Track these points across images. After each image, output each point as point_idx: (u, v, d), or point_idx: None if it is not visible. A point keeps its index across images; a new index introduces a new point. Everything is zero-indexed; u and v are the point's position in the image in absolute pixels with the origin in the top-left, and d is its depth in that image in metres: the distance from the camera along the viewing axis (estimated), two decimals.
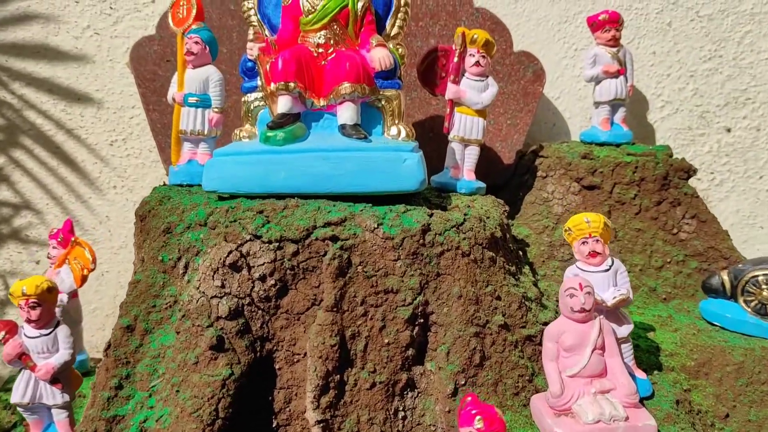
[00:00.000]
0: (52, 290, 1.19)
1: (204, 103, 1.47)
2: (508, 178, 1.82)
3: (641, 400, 1.16)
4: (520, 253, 1.48)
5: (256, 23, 1.37)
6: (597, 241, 1.20)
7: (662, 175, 1.65)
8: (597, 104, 1.77)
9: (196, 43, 1.45)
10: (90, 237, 1.89)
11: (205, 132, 1.48)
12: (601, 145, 1.75)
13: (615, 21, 1.71)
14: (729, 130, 1.95)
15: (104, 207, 1.90)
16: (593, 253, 1.20)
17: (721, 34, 1.90)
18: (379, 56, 1.27)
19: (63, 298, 1.42)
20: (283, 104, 1.25)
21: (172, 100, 1.50)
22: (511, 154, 1.82)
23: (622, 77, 1.74)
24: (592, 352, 1.10)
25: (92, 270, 1.43)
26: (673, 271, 1.61)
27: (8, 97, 1.81)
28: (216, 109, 1.48)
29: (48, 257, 1.49)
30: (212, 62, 1.49)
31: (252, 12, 1.36)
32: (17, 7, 1.79)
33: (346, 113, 1.26)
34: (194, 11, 1.46)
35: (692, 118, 1.95)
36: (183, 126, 1.48)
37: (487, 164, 1.66)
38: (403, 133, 1.29)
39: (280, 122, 1.25)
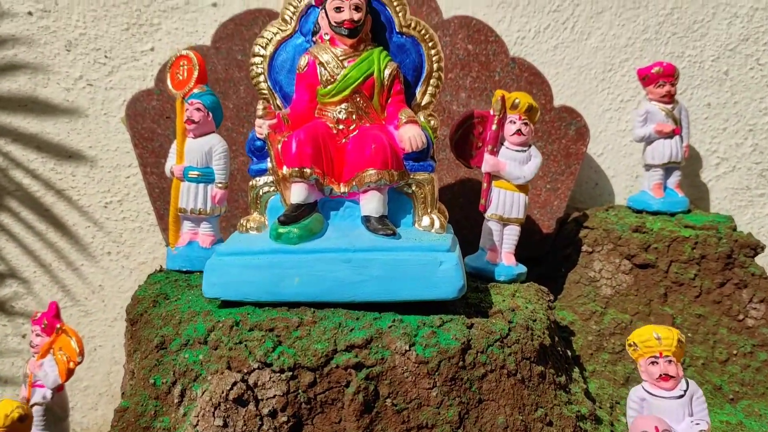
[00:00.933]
0: (24, 419, 1.02)
1: (206, 177, 1.30)
2: (548, 250, 1.64)
3: None
4: (569, 353, 1.29)
5: (266, 91, 1.19)
6: (670, 362, 1.02)
7: (726, 252, 1.46)
8: (648, 167, 1.59)
9: (198, 110, 1.28)
10: (82, 308, 1.73)
11: (208, 210, 1.31)
12: (654, 214, 1.57)
13: (670, 75, 1.54)
14: None
15: (98, 275, 1.74)
16: (666, 377, 1.02)
17: None
18: (409, 135, 1.10)
19: (46, 394, 1.26)
20: (298, 193, 1.08)
21: (170, 173, 1.33)
22: (551, 223, 1.64)
23: (677, 137, 1.56)
24: None
25: (79, 363, 1.26)
26: (741, 365, 1.42)
27: None
28: (220, 185, 1.31)
29: (30, 345, 1.32)
30: (216, 130, 1.32)
31: (261, 78, 1.19)
32: (2, 56, 1.63)
33: (371, 204, 1.09)
34: (196, 73, 1.29)
35: (751, 176, 1.77)
36: (182, 203, 1.31)
37: (524, 234, 1.47)
38: (437, 224, 1.12)
39: (295, 215, 1.07)
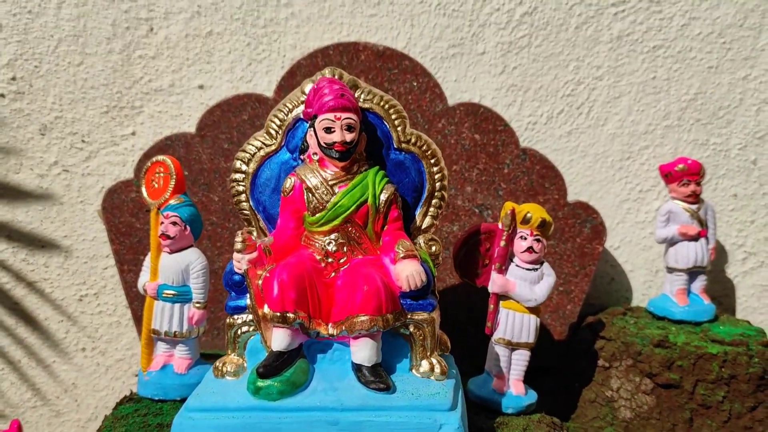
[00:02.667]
0: None
1: (183, 297, 1.20)
2: (559, 358, 1.51)
3: None
4: None
5: (248, 212, 1.09)
6: None
7: (758, 373, 1.33)
8: (671, 270, 1.47)
9: (174, 223, 1.17)
10: (53, 408, 1.62)
11: (184, 332, 1.20)
12: (677, 322, 1.45)
13: (696, 173, 1.43)
14: None
15: (70, 373, 1.62)
16: None
17: None
18: (407, 274, 0.98)
19: None
20: (280, 340, 0.96)
21: (143, 290, 1.21)
22: (563, 329, 1.52)
23: (702, 240, 1.45)
24: None
25: None
26: None
27: None
28: (198, 305, 1.20)
29: None
30: (194, 243, 1.21)
31: (243, 197, 1.09)
32: None
33: (363, 352, 0.97)
34: (172, 182, 1.19)
35: None
36: (156, 325, 1.20)
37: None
38: (437, 369, 1.00)
39: (276, 365, 0.95)
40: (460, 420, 0.94)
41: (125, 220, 1.49)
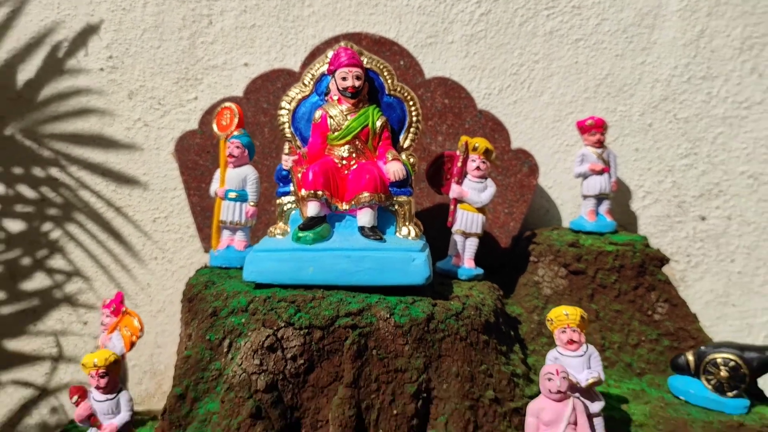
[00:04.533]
0: (117, 362, 1.44)
1: (242, 198, 1.72)
2: (505, 260, 2.06)
3: None
4: (512, 332, 1.71)
5: (289, 135, 1.63)
6: (574, 331, 1.44)
7: (639, 263, 1.88)
8: (584, 197, 2.01)
9: (237, 147, 1.70)
10: (132, 302, 2.14)
11: (242, 222, 1.73)
12: (587, 233, 1.99)
13: (600, 126, 1.96)
14: (704, 219, 2.19)
15: (146, 276, 2.16)
16: (570, 342, 1.44)
17: (696, 135, 2.15)
18: (393, 169, 1.52)
19: None
20: (312, 209, 1.50)
21: (214, 193, 1.75)
22: (508, 240, 2.06)
23: (606, 174, 1.98)
24: (566, 427, 1.33)
25: (140, 337, 1.67)
26: (647, 349, 1.84)
27: (66, 178, 2.08)
28: (252, 204, 1.73)
29: (101, 324, 1.72)
30: (250, 162, 1.76)
31: (286, 126, 1.63)
32: (78, 101, 2.06)
33: (365, 217, 1.51)
34: (236, 120, 1.72)
35: (670, 207, 2.20)
36: (223, 217, 1.73)
37: (486, 248, 1.89)
38: (413, 233, 1.54)
39: (310, 224, 1.49)
40: (426, 257, 1.48)
41: (191, 158, 2.04)
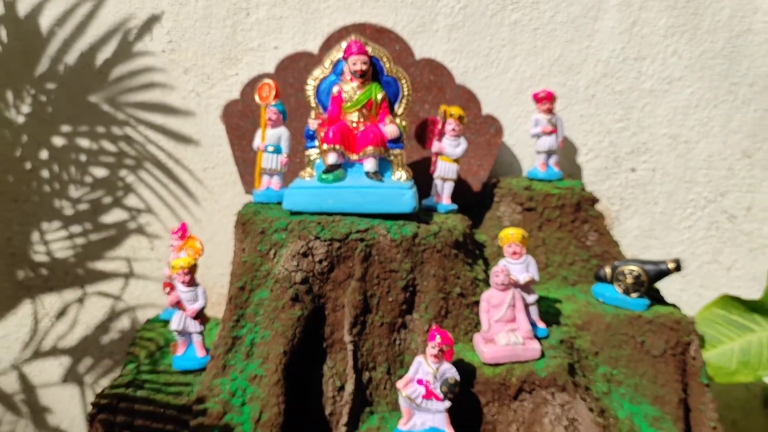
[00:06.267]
0: (195, 266, 2.00)
1: (277, 151, 2.22)
2: (476, 201, 2.61)
3: (539, 339, 1.95)
4: (477, 251, 2.27)
5: (313, 105, 2.15)
6: (517, 245, 1.99)
7: (576, 202, 2.41)
8: (537, 152, 2.53)
9: (275, 113, 2.21)
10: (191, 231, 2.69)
11: (278, 169, 2.25)
12: (539, 180, 2.51)
13: (549, 98, 2.46)
14: (634, 170, 2.73)
15: (198, 212, 2.69)
16: (514, 253, 1.99)
17: (629, 104, 2.67)
18: (390, 130, 2.04)
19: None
20: (331, 158, 2.02)
21: (257, 148, 2.27)
22: (479, 185, 2.59)
23: (554, 135, 2.47)
24: (507, 308, 1.90)
25: (200, 256, 2.23)
26: (580, 266, 2.39)
27: (137, 136, 2.61)
28: (285, 155, 2.27)
29: (171, 245, 2.25)
30: (283, 124, 2.29)
31: (311, 97, 2.14)
32: (145, 76, 2.58)
33: (369, 165, 2.03)
34: (273, 92, 2.23)
35: (608, 161, 2.72)
36: (264, 165, 2.24)
37: (461, 192, 2.42)
38: (404, 177, 2.07)
39: (330, 169, 2.02)
40: (413, 193, 2.02)
41: (234, 121, 2.56)
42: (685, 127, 2.61)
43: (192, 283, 1.97)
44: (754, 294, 2.69)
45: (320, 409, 1.86)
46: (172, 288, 1.97)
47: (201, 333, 2.01)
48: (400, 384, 1.71)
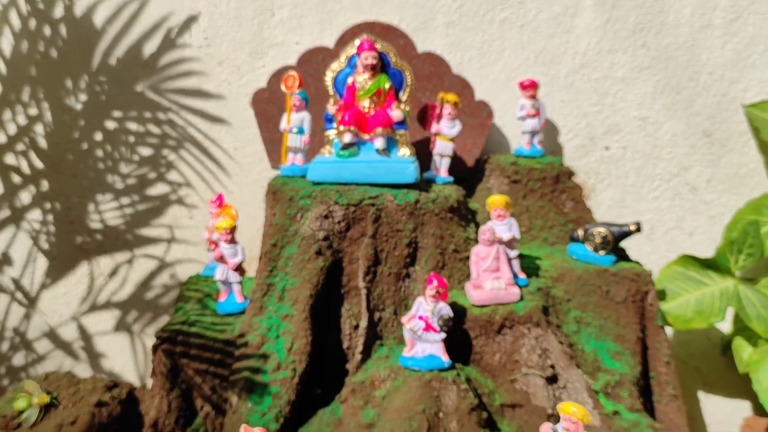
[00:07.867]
0: (235, 227, 2.38)
1: (301, 132, 2.56)
2: (470, 174, 2.97)
3: (520, 286, 2.33)
4: (470, 216, 2.64)
5: (332, 93, 2.50)
6: (501, 209, 2.36)
7: (555, 175, 2.76)
8: (523, 133, 2.86)
9: (299, 100, 2.55)
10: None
11: (301, 147, 2.59)
12: (524, 157, 2.84)
13: (533, 86, 2.80)
14: (608, 148, 3.08)
15: (231, 185, 3.03)
16: (499, 215, 2.36)
17: (604, 90, 3.01)
18: (396, 114, 2.36)
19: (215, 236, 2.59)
20: (347, 137, 2.36)
21: (283, 129, 2.62)
22: (472, 161, 2.91)
23: (537, 118, 2.78)
24: (492, 260, 2.27)
25: (235, 222, 2.60)
26: (558, 229, 2.74)
27: (178, 119, 2.96)
28: (307, 136, 2.63)
29: (210, 212, 2.61)
30: (305, 109, 2.65)
31: (330, 86, 2.49)
32: (185, 67, 2.93)
33: (379, 143, 2.37)
34: (297, 82, 2.57)
35: (585, 140, 3.02)
36: (289, 144, 2.54)
37: (457, 167, 2.78)
38: (408, 153, 2.41)
39: (346, 147, 2.38)
40: (416, 166, 2.38)
41: (262, 106, 2.89)
42: (653, 110, 2.94)
43: (233, 241, 2.33)
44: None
45: (339, 343, 2.23)
46: (216, 245, 2.35)
47: (240, 282, 2.38)
48: (404, 319, 2.08)
